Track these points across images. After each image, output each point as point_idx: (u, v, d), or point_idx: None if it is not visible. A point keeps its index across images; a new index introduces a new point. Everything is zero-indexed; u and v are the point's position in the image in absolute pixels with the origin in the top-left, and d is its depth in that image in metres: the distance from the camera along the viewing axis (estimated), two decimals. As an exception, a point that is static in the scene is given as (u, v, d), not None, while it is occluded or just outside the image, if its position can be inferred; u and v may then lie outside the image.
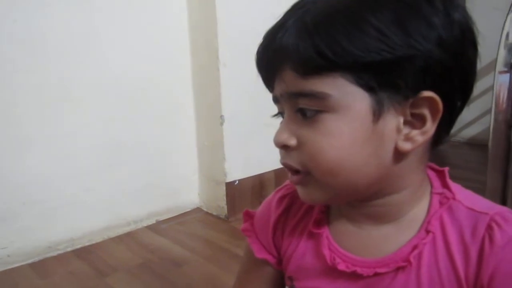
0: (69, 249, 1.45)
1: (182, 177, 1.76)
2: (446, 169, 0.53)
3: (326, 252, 0.52)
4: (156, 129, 1.64)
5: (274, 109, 0.52)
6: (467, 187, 0.52)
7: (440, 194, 0.50)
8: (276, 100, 0.49)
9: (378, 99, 0.43)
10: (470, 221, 0.47)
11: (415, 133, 0.44)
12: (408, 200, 0.49)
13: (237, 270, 0.68)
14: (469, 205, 0.48)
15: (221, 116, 1.61)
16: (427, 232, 0.48)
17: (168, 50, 1.63)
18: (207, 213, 1.76)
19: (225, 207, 1.67)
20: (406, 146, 0.45)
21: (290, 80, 0.45)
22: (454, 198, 0.49)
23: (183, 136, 1.74)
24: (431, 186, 0.51)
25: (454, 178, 0.52)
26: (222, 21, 1.55)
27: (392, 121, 0.44)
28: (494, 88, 1.05)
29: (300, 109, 0.45)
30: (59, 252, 1.44)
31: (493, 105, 1.06)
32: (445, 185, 0.51)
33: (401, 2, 0.42)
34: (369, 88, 0.42)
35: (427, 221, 0.49)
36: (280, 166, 0.50)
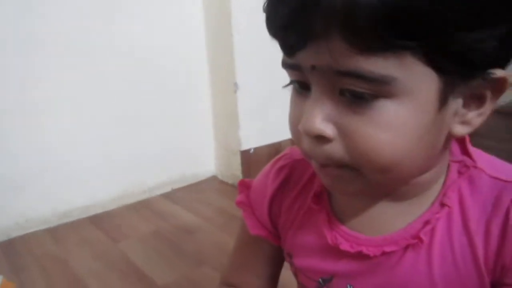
0: (83, 216, 1.47)
1: (198, 145, 1.75)
2: None
3: (326, 230, 0.47)
4: (171, 98, 1.62)
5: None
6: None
7: (459, 162, 0.44)
8: (295, 67, 0.37)
9: (449, 81, 0.34)
10: (494, 192, 0.41)
11: (472, 115, 0.37)
12: (434, 177, 0.43)
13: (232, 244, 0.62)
14: (493, 174, 0.42)
15: (235, 84, 1.57)
16: (442, 205, 0.42)
17: (181, 17, 1.59)
18: (222, 181, 1.74)
19: (241, 175, 1.65)
20: (462, 130, 0.38)
21: (338, 52, 0.32)
22: (475, 166, 0.43)
23: (198, 105, 1.71)
24: (450, 154, 0.44)
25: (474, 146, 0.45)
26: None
27: (453, 105, 0.36)
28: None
29: (347, 90, 0.34)
30: (74, 218, 1.46)
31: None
32: (465, 152, 0.44)
33: None
34: (439, 69, 0.33)
35: (442, 193, 0.43)
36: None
